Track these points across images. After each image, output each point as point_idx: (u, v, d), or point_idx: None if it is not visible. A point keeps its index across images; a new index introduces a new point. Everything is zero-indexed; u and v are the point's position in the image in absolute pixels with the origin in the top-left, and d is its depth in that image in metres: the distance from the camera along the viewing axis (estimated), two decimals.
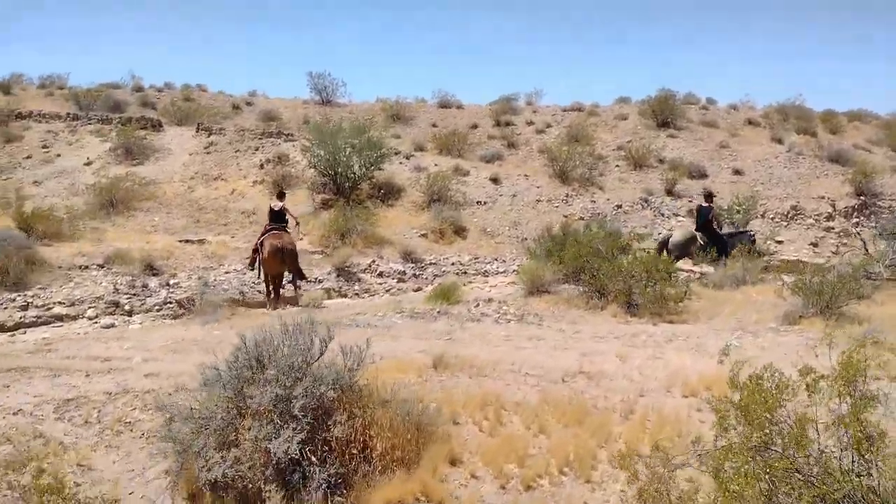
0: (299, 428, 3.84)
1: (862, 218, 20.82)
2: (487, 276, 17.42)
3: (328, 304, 12.18)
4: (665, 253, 15.12)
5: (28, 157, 22.53)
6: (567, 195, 22.74)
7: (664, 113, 29.52)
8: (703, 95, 35.30)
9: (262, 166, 23.08)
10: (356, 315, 9.69)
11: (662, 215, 21.95)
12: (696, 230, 15.47)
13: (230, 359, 4.48)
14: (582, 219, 21.31)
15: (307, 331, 4.53)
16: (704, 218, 15.41)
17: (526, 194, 22.61)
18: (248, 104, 34.47)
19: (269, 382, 4.02)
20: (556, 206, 22.13)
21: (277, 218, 13.03)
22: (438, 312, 9.76)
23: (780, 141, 26.66)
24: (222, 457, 3.71)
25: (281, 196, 13.48)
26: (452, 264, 17.94)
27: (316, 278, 15.34)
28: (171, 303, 12.71)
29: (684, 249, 14.80)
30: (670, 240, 15.21)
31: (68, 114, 25.71)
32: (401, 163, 24.06)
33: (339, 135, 21.67)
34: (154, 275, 13.89)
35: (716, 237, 15.16)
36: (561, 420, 5.53)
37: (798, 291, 9.91)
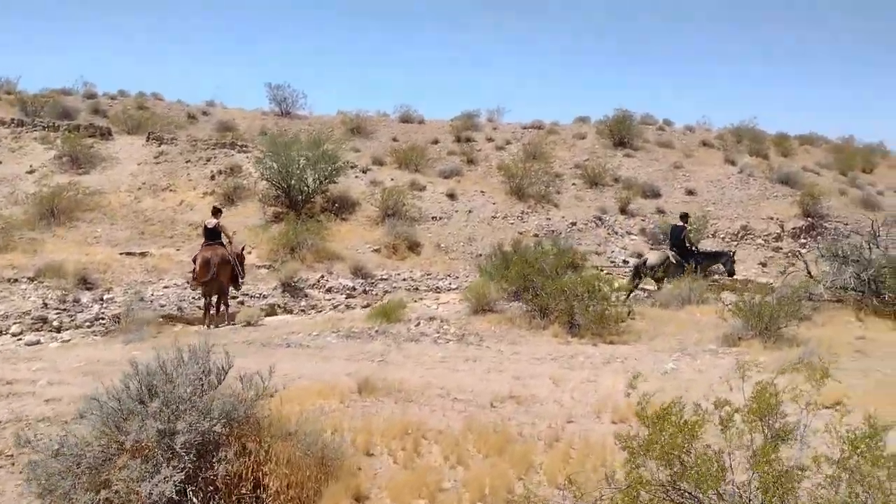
0: (180, 466, 3.54)
1: (809, 239, 21.23)
2: (439, 293, 17.19)
3: (267, 322, 11.79)
4: (640, 276, 15.10)
5: None
6: (523, 212, 22.72)
7: (621, 133, 29.88)
8: (661, 117, 35.93)
9: (213, 177, 22.55)
10: (290, 334, 9.36)
11: (616, 233, 22.08)
12: (670, 249, 15.47)
13: (120, 386, 4.16)
14: (536, 236, 21.30)
15: (201, 357, 4.22)
16: (677, 237, 15.41)
17: (482, 210, 22.52)
18: (205, 114, 33.84)
19: (151, 416, 3.71)
20: (512, 223, 22.08)
21: (212, 235, 12.49)
22: (376, 332, 9.49)
23: (732, 162, 27.16)
24: (91, 499, 3.39)
25: (216, 213, 12.97)
26: (404, 280, 17.69)
27: (261, 293, 14.92)
28: (102, 319, 12.17)
29: (659, 269, 14.77)
30: (647, 262, 15.16)
31: (13, 119, 24.78)
32: (357, 176, 23.78)
33: (294, 146, 21.33)
34: (88, 289, 13.33)
35: (688, 256, 15.14)
36: (482, 449, 5.30)
37: (738, 313, 9.91)
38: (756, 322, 9.72)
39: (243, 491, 3.83)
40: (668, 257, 15.19)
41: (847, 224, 21.66)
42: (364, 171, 24.19)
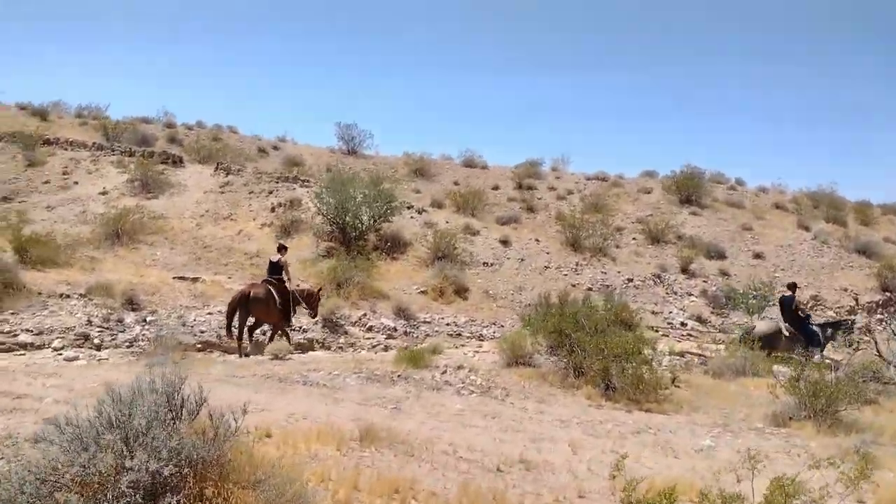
0: None
1: (886, 314, 19.70)
2: (482, 340, 16.75)
3: (296, 357, 11.65)
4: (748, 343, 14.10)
5: (46, 182, 22.90)
6: (577, 264, 22.11)
7: (689, 189, 28.97)
8: (733, 176, 34.75)
9: (273, 209, 23.06)
10: (311, 371, 9.15)
11: (675, 293, 21.13)
12: (784, 322, 14.37)
13: (86, 414, 3.99)
14: (590, 289, 20.63)
15: (167, 388, 4.01)
16: (788, 308, 14.39)
17: (535, 259, 22.06)
18: (275, 148, 34.98)
19: (103, 448, 3.51)
20: (565, 274, 21.49)
21: (273, 270, 13.14)
22: (399, 377, 9.17)
23: (806, 228, 25.77)
24: None
25: (281, 249, 13.56)
26: (447, 325, 17.35)
27: (301, 327, 14.87)
28: (142, 340, 12.34)
29: (769, 341, 13.75)
30: (754, 331, 14.19)
31: (94, 143, 26.25)
32: (412, 217, 23.82)
33: (351, 183, 21.60)
34: (133, 309, 13.59)
35: (802, 327, 14.09)
36: None
37: (791, 390, 9.06)
38: (811, 401, 8.86)
39: None
40: (779, 329, 14.11)
41: None
42: (419, 212, 24.22)
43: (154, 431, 3.66)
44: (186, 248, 20.21)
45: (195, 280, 17.42)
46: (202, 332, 13.44)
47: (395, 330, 16.28)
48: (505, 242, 22.80)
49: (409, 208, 24.33)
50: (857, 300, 20.29)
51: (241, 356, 11.71)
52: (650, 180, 33.39)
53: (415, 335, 16.27)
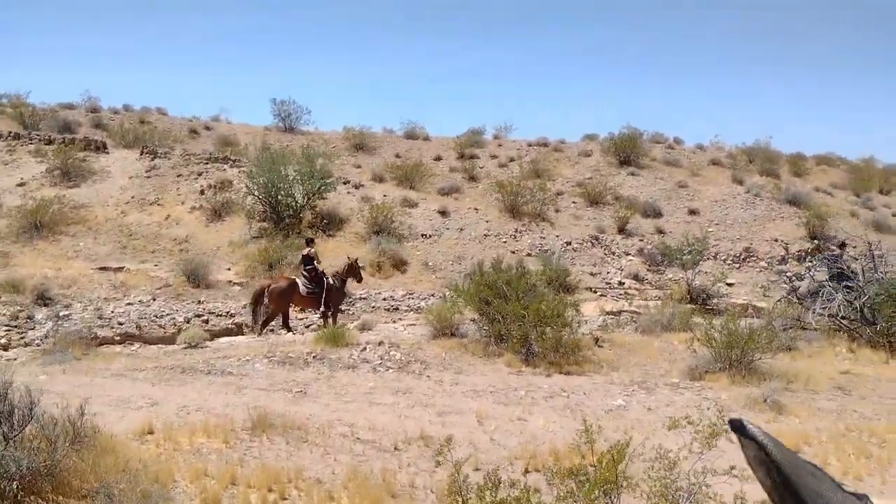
0: None
1: (815, 262, 20.18)
2: (420, 313, 16.59)
3: (213, 344, 11.27)
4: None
5: None
6: (517, 230, 22.04)
7: (627, 151, 29.07)
8: (672, 135, 35.06)
9: (202, 192, 22.26)
10: (219, 359, 8.81)
11: (613, 254, 21.30)
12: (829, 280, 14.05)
13: None
14: (529, 254, 20.62)
15: None
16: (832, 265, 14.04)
17: (474, 228, 21.90)
18: (208, 129, 33.83)
19: None
20: (504, 242, 21.41)
21: (306, 262, 13.87)
22: (314, 358, 8.90)
23: (740, 182, 26.20)
24: None
25: (309, 242, 14.43)
26: (385, 300, 17.11)
27: (228, 312, 14.45)
28: (53, 337, 11.76)
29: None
30: (798, 290, 13.82)
31: (10, 132, 24.86)
32: (349, 192, 23.34)
33: (283, 161, 20.98)
34: (45, 305, 12.95)
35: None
36: None
37: (707, 343, 9.13)
38: (726, 353, 8.95)
39: None
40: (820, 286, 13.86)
41: (856, 247, 20.56)
42: (356, 187, 23.75)
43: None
44: (111, 238, 19.40)
45: (118, 270, 16.77)
46: (121, 323, 12.91)
47: None
48: (443, 213, 22.56)
49: (345, 184, 23.82)
50: (787, 250, 20.77)
51: (258, 335, 12.51)
52: (591, 143, 33.44)
53: (350, 312, 15.99)
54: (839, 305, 11.75)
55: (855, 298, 11.71)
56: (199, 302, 15.01)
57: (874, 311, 11.65)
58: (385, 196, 23.13)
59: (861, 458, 6.41)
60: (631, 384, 8.45)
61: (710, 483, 3.90)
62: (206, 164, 24.05)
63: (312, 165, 21.39)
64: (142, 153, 24.47)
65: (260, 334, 12.71)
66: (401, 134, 35.92)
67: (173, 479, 4.72)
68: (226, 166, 24.00)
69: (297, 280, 13.30)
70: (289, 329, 13.37)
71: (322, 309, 13.55)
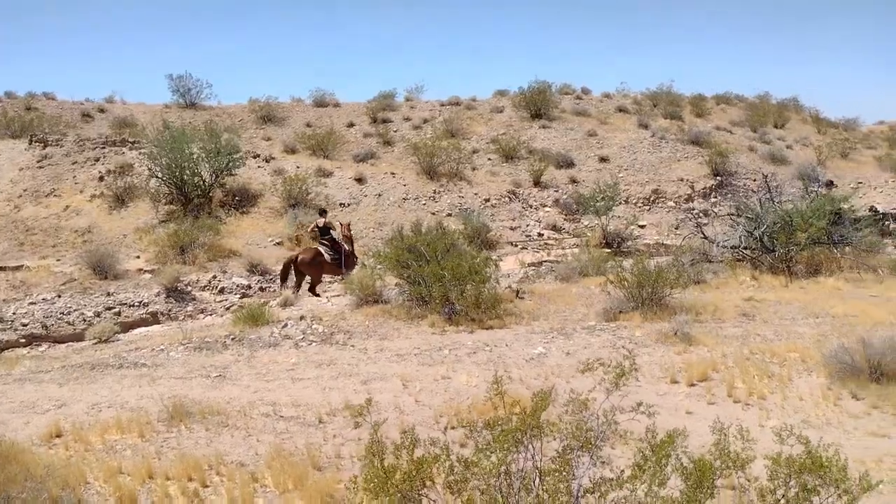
0: None
1: (719, 198, 21.28)
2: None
3: (125, 336, 10.81)
4: None
5: None
6: (435, 191, 22.03)
7: (537, 104, 29.38)
8: (580, 85, 35.60)
9: (102, 178, 21.02)
10: (132, 351, 8.47)
11: (530, 206, 21.67)
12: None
13: None
14: (450, 215, 20.72)
15: None
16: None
17: (392, 193, 21.74)
18: (102, 111, 31.81)
19: None
20: (424, 204, 21.38)
21: (323, 233, 14.52)
22: (233, 340, 8.69)
23: (646, 126, 27.03)
24: None
25: (322, 213, 15.25)
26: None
27: (141, 301, 13.86)
28: None
29: None
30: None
31: None
32: (259, 166, 22.61)
33: (185, 139, 20.03)
34: None
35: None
36: (283, 482, 4.63)
37: (618, 284, 9.48)
38: (637, 292, 9.32)
39: None
40: None
41: (755, 180, 21.74)
42: (267, 161, 23.03)
43: None
44: (6, 235, 18.12)
45: (17, 269, 15.75)
46: (24, 325, 12.18)
47: (250, 288, 15.58)
48: (360, 180, 22.25)
49: (255, 158, 23.06)
50: (692, 188, 21.70)
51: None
52: (502, 99, 33.56)
53: (272, 290, 15.66)
54: (740, 237, 12.40)
55: (755, 229, 12.38)
56: (109, 294, 14.31)
57: (773, 240, 12.36)
58: (298, 167, 22.55)
59: (764, 379, 6.86)
60: (551, 331, 8.69)
61: (619, 420, 4.06)
62: (103, 148, 22.67)
63: (218, 141, 20.51)
64: (31, 142, 22.79)
65: (297, 292, 13.50)
66: (309, 102, 34.87)
67: (85, 481, 4.53)
68: (125, 149, 22.71)
69: (320, 248, 14.10)
70: (317, 294, 13.80)
71: (341, 275, 14.31)
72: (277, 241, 18.33)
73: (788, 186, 18.65)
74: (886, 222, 13.94)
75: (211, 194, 19.95)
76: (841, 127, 34.77)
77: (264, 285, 15.92)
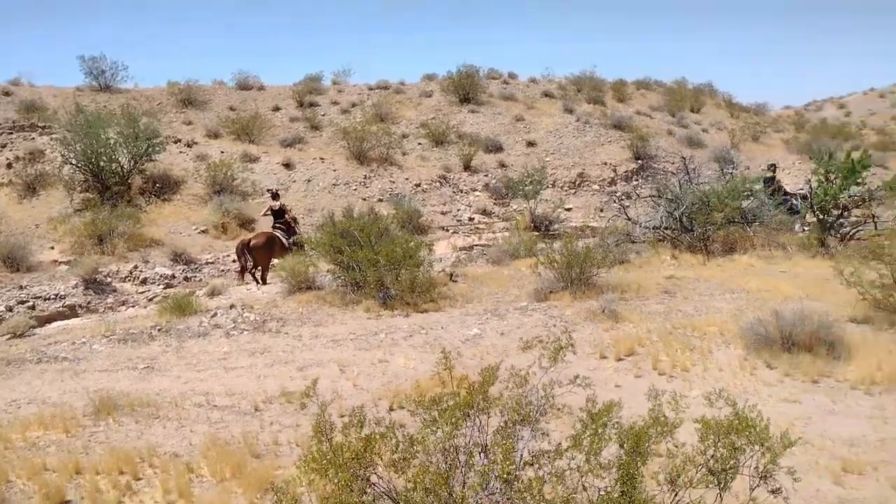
0: None
1: (641, 180, 22.04)
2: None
3: (42, 331, 10.24)
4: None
5: None
6: (365, 176, 21.86)
7: (466, 88, 29.49)
8: (507, 70, 35.93)
9: (9, 166, 19.75)
10: (52, 345, 8.07)
11: (461, 191, 21.82)
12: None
13: None
14: (381, 200, 20.63)
15: None
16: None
17: (322, 178, 21.42)
18: (7, 94, 29.76)
19: None
20: (355, 189, 21.18)
21: (277, 216, 14.33)
22: (159, 330, 8.41)
23: (571, 111, 27.61)
24: None
25: (274, 196, 14.78)
26: (234, 262, 16.38)
27: (57, 294, 13.19)
28: None
29: None
30: None
31: None
32: (181, 152, 21.81)
33: (100, 123, 19.05)
34: None
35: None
36: (219, 472, 4.55)
37: (548, 265, 9.72)
38: (566, 273, 9.59)
39: None
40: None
41: (674, 163, 22.64)
42: (189, 146, 22.23)
43: None
44: None
45: None
46: None
47: (174, 277, 15.07)
48: (288, 165, 21.81)
49: (176, 143, 22.22)
50: (615, 171, 22.40)
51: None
52: (430, 83, 33.51)
53: (197, 279, 15.21)
54: (661, 217, 12.92)
55: (674, 210, 12.92)
56: (22, 287, 13.54)
57: (691, 220, 12.93)
58: (223, 152, 21.88)
59: (686, 352, 7.22)
60: (485, 313, 8.84)
61: (556, 394, 4.21)
62: (10, 133, 21.28)
63: (136, 126, 19.61)
64: None
65: (264, 283, 12.99)
66: (233, 86, 33.74)
67: (7, 480, 4.32)
68: (34, 134, 21.41)
69: (276, 233, 13.75)
70: (264, 282, 13.14)
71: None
72: (202, 228, 17.77)
73: (705, 169, 19.52)
74: (794, 201, 14.82)
75: (130, 181, 19.11)
76: (752, 111, 36.64)
77: (189, 275, 15.44)
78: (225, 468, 4.52)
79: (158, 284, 14.66)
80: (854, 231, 12.92)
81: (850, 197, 12.91)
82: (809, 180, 14.23)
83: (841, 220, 12.98)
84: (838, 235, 12.80)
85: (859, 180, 12.59)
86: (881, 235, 11.08)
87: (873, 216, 13.49)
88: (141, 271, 14.90)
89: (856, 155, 13.22)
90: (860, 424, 5.25)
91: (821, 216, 12.79)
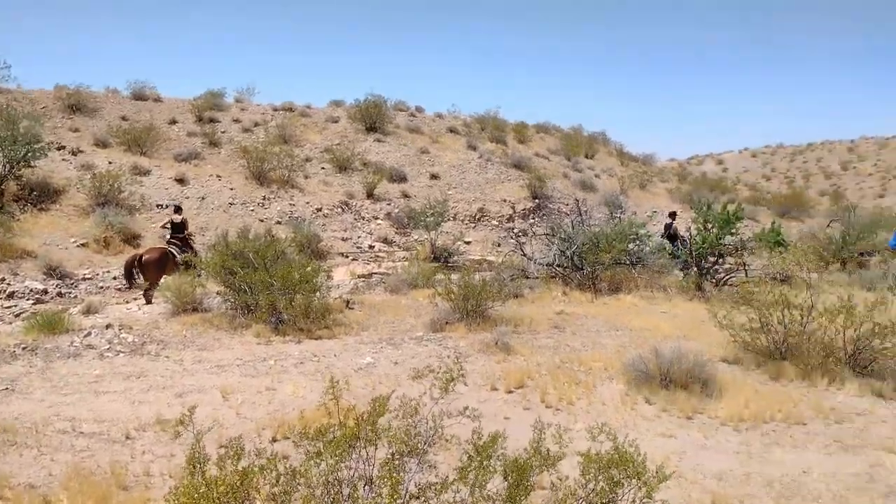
0: None
1: (537, 219, 22.85)
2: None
3: None
4: None
5: None
6: (265, 197, 21.33)
7: (372, 117, 29.61)
8: (414, 103, 36.47)
9: None
10: None
11: (363, 218, 21.73)
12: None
13: None
14: (279, 222, 20.15)
15: None
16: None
17: (217, 196, 20.68)
18: None
19: None
20: (252, 210, 20.60)
21: (176, 230, 13.75)
22: (24, 349, 7.73)
23: (474, 148, 28.35)
24: None
25: (178, 210, 14.17)
26: (115, 279, 15.41)
27: None
28: None
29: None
30: None
31: None
32: (64, 159, 20.46)
33: None
34: None
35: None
36: None
37: (446, 297, 9.83)
38: (462, 304, 9.72)
39: None
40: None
41: (568, 204, 23.69)
42: (74, 154, 20.89)
43: None
44: None
45: None
46: None
47: (46, 293, 13.96)
48: (182, 181, 20.93)
49: (59, 149, 20.83)
50: (514, 209, 23.11)
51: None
52: (337, 109, 33.40)
53: (72, 295, 14.16)
54: (554, 255, 13.42)
55: (567, 248, 13.46)
56: None
57: (582, 259, 13.51)
58: (111, 163, 20.72)
59: (572, 386, 7.45)
60: (380, 342, 8.77)
61: (446, 425, 4.22)
62: None
63: (15, 128, 18.23)
64: None
65: (149, 303, 12.32)
66: (127, 94, 32.13)
67: None
68: None
69: (171, 249, 13.20)
70: (149, 301, 12.46)
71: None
72: (82, 242, 16.65)
73: (596, 212, 20.55)
74: (677, 247, 15.87)
75: (3, 187, 17.66)
76: (640, 161, 39.08)
77: (64, 290, 14.35)
78: (87, 501, 4.18)
79: (28, 299, 13.51)
80: (727, 277, 13.95)
81: (724, 245, 13.96)
82: (689, 228, 15.38)
83: (716, 267, 14.00)
84: (713, 280, 13.77)
85: (733, 231, 13.64)
86: (751, 282, 12.08)
87: (744, 264, 14.68)
88: (9, 284, 13.70)
89: (731, 207, 14.35)
90: (728, 459, 5.60)
91: (699, 262, 13.73)
